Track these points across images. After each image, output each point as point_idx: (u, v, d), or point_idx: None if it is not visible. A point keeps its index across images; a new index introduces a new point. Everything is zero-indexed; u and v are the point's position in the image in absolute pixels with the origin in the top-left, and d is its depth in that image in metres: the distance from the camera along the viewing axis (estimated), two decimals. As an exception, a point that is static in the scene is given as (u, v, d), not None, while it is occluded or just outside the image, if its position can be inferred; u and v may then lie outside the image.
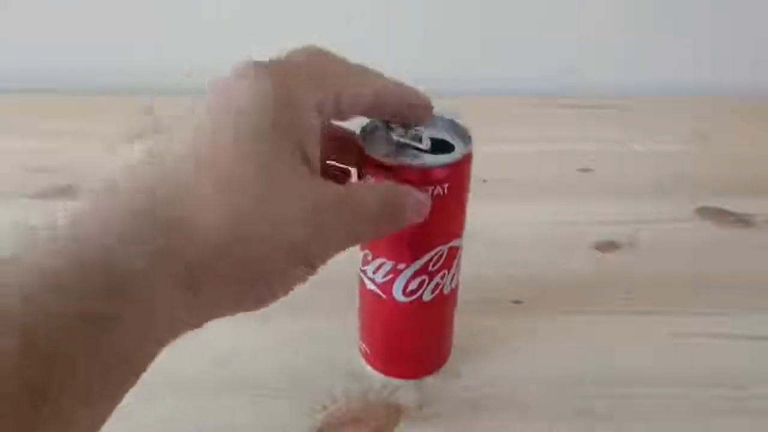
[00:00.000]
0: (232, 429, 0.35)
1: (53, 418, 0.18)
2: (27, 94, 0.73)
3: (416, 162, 0.30)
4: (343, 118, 0.27)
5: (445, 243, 0.33)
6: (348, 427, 0.35)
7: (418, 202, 0.28)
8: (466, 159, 0.31)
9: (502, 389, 0.37)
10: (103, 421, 0.20)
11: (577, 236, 0.51)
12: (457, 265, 0.35)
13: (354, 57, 0.27)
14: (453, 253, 0.34)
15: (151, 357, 0.21)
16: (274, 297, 0.24)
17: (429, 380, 0.38)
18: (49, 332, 0.18)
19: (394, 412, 0.35)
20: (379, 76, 0.28)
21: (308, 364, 0.39)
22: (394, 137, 0.31)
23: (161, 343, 0.22)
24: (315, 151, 0.25)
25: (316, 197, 0.24)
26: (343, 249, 0.26)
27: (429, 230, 0.32)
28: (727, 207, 0.55)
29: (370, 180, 0.30)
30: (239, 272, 0.23)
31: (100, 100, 0.73)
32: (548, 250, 0.49)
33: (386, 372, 0.38)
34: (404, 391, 0.37)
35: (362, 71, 0.27)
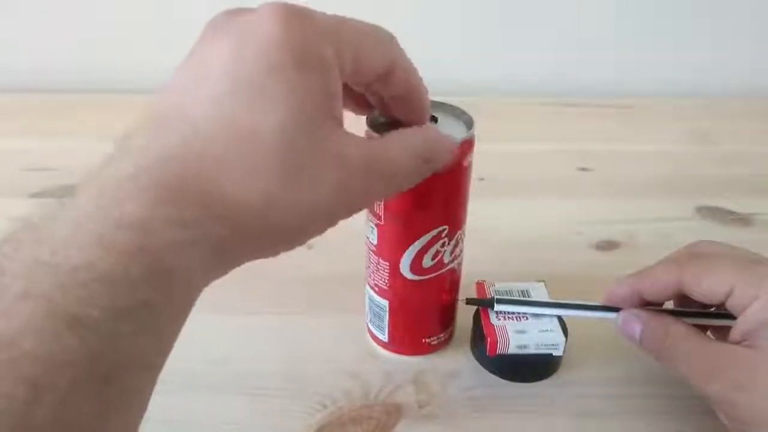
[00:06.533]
0: (231, 429, 0.35)
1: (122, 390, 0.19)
2: (27, 94, 0.73)
3: None
4: (355, 81, 0.27)
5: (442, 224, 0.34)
6: (348, 427, 0.34)
7: (447, 147, 0.29)
8: (469, 141, 0.32)
9: (503, 389, 0.37)
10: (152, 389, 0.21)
11: (577, 235, 0.51)
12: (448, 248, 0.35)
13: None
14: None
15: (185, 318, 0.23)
16: (292, 249, 0.25)
17: (429, 380, 0.38)
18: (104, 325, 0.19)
19: (394, 412, 0.35)
20: (397, 46, 0.27)
21: (308, 364, 0.39)
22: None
23: (189, 307, 0.22)
24: (341, 107, 0.25)
25: (346, 164, 0.24)
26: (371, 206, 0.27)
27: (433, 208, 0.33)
28: (727, 206, 0.55)
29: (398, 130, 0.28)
30: (267, 240, 0.24)
31: (100, 99, 0.73)
32: (548, 249, 0.49)
33: (385, 346, 0.39)
34: (404, 391, 0.37)
35: (384, 36, 0.26)
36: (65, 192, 0.21)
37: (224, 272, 0.23)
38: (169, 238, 0.20)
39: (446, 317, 0.39)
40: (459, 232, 0.35)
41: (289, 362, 0.39)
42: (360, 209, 0.27)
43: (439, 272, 0.35)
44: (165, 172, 0.21)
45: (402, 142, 0.27)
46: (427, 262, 0.34)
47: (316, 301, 0.43)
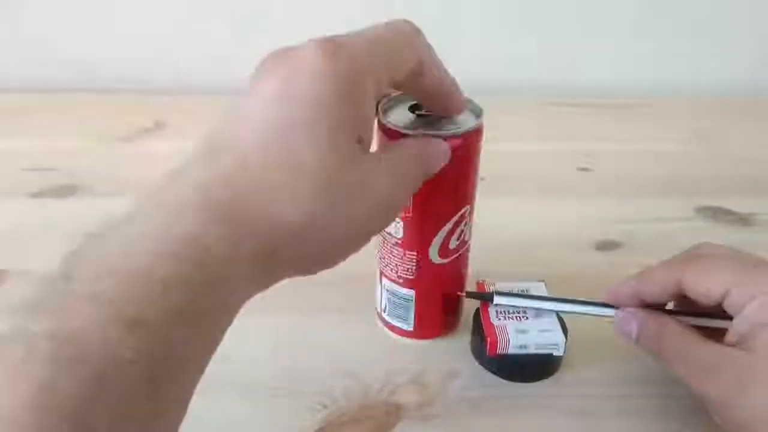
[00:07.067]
0: (231, 429, 0.35)
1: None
2: (27, 93, 0.73)
3: (430, 131, 0.32)
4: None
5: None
6: (348, 427, 0.34)
7: (444, 151, 0.32)
8: (477, 131, 0.33)
9: (503, 389, 0.37)
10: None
11: (577, 235, 0.51)
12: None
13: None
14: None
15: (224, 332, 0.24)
16: (328, 268, 0.28)
17: (429, 380, 0.38)
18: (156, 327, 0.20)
19: (394, 412, 0.35)
20: (424, 44, 0.29)
21: (308, 364, 0.39)
22: (408, 107, 0.34)
23: (232, 317, 0.24)
24: (371, 133, 0.28)
25: (376, 188, 0.27)
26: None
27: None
28: (727, 206, 0.55)
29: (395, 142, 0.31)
30: (306, 260, 0.27)
31: (99, 99, 0.73)
32: (548, 249, 0.49)
33: (409, 335, 0.40)
34: (404, 391, 0.37)
35: (412, 38, 0.29)
36: (65, 192, 0.22)
37: (266, 287, 0.25)
38: (222, 254, 0.22)
39: (460, 296, 0.40)
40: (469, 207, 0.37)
41: (289, 362, 0.39)
42: (387, 224, 0.31)
43: (461, 251, 0.37)
44: (221, 194, 0.23)
45: (407, 151, 0.30)
46: (453, 243, 0.36)
47: (317, 301, 0.43)
